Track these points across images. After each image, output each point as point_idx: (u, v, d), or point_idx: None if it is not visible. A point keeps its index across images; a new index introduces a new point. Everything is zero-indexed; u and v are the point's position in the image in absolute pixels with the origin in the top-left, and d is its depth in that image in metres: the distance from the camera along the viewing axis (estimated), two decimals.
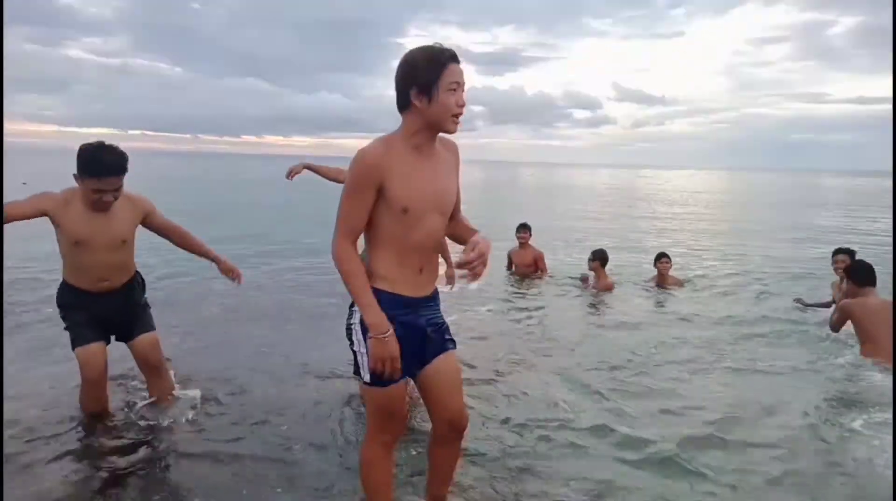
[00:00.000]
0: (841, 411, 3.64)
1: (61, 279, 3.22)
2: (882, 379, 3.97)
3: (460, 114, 1.94)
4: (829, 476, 2.93)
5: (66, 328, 3.20)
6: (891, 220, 15.30)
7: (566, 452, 3.09)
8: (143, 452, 3.02)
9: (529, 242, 7.67)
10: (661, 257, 7.22)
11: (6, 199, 2.83)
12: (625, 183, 50.00)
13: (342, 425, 3.37)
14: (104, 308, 3.19)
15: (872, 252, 8.51)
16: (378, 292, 1.97)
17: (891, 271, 6.19)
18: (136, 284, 3.39)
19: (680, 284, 7.22)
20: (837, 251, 5.91)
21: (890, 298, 4.75)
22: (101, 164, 2.86)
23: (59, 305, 3.23)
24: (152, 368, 3.38)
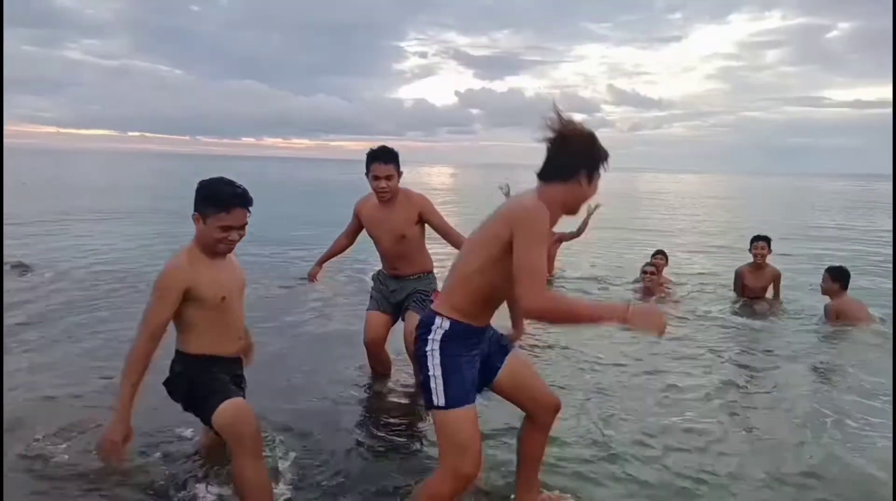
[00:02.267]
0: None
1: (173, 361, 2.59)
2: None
3: None
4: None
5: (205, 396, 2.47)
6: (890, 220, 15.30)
7: None
8: None
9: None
10: (657, 255, 7.31)
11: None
12: (626, 187, 50.12)
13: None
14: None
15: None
16: (459, 324, 2.10)
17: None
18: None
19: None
20: (757, 238, 6.50)
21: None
22: (236, 194, 2.42)
23: (191, 378, 2.54)
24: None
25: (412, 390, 3.98)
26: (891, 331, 5.35)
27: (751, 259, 6.60)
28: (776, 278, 6.57)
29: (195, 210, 2.44)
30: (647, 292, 6.91)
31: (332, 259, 4.19)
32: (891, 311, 5.82)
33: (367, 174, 3.67)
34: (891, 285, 5.78)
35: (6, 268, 6.91)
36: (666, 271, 7.33)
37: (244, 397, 2.55)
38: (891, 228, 15.36)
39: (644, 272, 7.04)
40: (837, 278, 5.85)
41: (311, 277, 4.17)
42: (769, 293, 6.58)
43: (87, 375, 4.08)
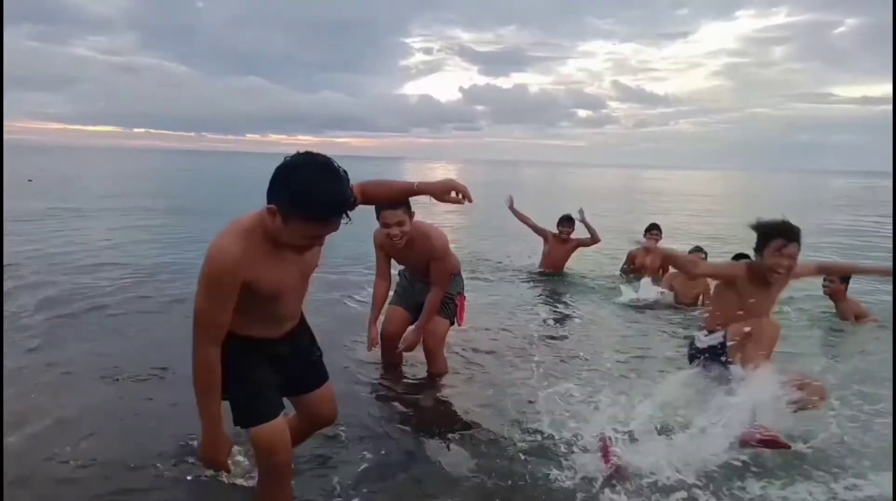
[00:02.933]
0: None
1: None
2: None
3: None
4: None
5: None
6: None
7: None
8: None
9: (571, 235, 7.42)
10: (651, 230, 7.34)
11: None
12: (633, 183, 49.93)
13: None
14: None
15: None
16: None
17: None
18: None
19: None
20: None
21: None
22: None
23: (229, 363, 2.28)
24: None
25: (416, 382, 4.02)
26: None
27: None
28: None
29: (272, 202, 1.85)
30: (647, 253, 7.08)
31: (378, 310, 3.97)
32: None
33: (377, 218, 3.45)
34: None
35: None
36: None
37: (319, 380, 2.46)
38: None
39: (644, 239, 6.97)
40: (844, 279, 5.81)
41: (372, 342, 3.91)
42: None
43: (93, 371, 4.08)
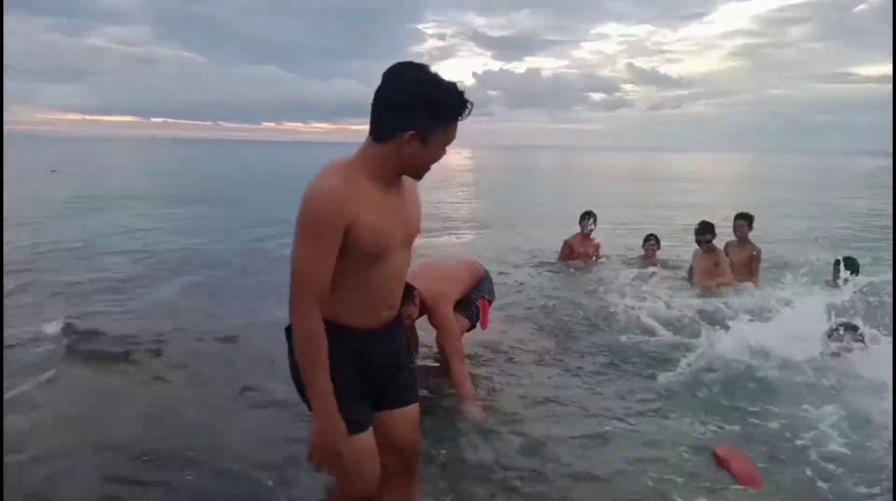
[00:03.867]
0: None
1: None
2: None
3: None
4: None
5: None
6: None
7: None
8: None
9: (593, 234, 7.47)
10: (649, 239, 7.40)
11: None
12: (650, 166, 49.43)
13: None
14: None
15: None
16: None
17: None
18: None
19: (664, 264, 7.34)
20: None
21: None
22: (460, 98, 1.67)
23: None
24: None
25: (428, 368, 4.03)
26: None
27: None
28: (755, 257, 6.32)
29: (410, 127, 1.62)
30: (650, 261, 7.30)
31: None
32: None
33: None
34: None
35: None
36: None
37: (407, 397, 1.95)
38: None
39: (646, 244, 7.44)
40: (851, 268, 5.68)
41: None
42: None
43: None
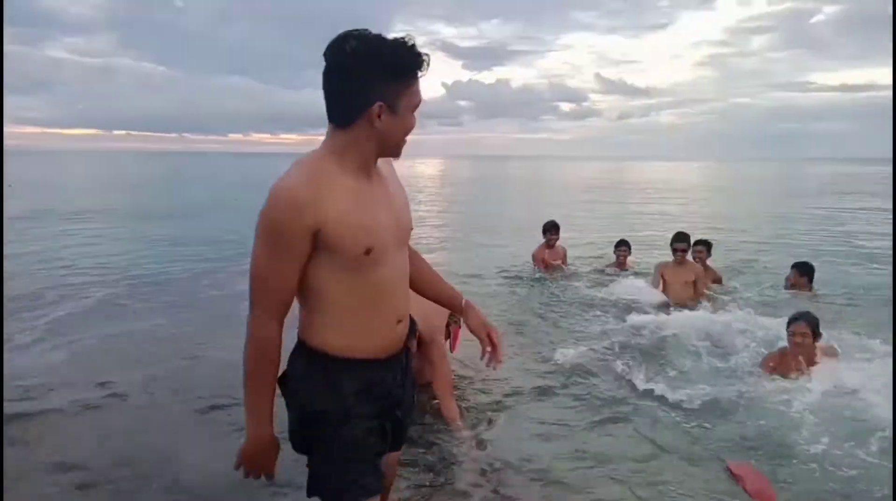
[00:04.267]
0: None
1: (305, 354, 1.57)
2: None
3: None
4: None
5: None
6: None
7: None
8: None
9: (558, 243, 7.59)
10: (620, 245, 7.51)
11: None
12: (615, 175, 50.25)
13: None
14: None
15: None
16: None
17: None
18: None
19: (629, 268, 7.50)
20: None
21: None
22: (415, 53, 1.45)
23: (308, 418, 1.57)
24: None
25: None
26: None
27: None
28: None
29: (373, 100, 1.42)
30: (621, 266, 7.47)
31: None
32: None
33: None
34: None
35: None
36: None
37: (401, 442, 1.75)
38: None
39: (617, 250, 7.63)
40: (805, 272, 6.04)
41: None
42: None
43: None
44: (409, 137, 1.51)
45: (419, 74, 1.44)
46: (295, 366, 1.55)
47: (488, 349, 1.74)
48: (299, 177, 1.41)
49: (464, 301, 1.81)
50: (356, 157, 1.47)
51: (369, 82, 1.40)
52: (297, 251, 1.41)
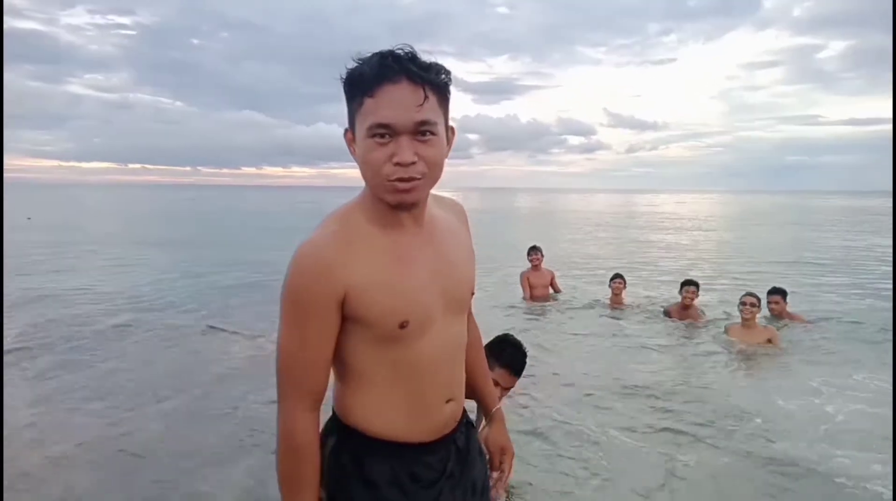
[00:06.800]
0: None
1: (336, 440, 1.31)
2: None
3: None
4: None
5: None
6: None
7: None
8: None
9: (542, 264, 7.76)
10: (616, 278, 7.42)
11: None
12: (624, 208, 50.23)
13: None
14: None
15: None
16: None
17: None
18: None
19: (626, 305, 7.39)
20: (688, 283, 6.56)
21: None
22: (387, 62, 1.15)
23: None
24: None
25: None
26: None
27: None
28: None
29: (348, 127, 1.20)
30: (615, 299, 7.42)
31: None
32: None
33: None
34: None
35: None
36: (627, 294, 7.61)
37: None
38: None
39: (612, 283, 7.50)
40: (785, 296, 6.21)
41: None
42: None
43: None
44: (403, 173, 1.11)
45: (378, 87, 1.10)
46: (325, 441, 1.27)
47: (494, 474, 1.51)
48: (324, 235, 1.17)
49: (495, 409, 1.56)
50: (380, 205, 1.18)
51: (348, 107, 1.18)
52: (326, 324, 1.16)
